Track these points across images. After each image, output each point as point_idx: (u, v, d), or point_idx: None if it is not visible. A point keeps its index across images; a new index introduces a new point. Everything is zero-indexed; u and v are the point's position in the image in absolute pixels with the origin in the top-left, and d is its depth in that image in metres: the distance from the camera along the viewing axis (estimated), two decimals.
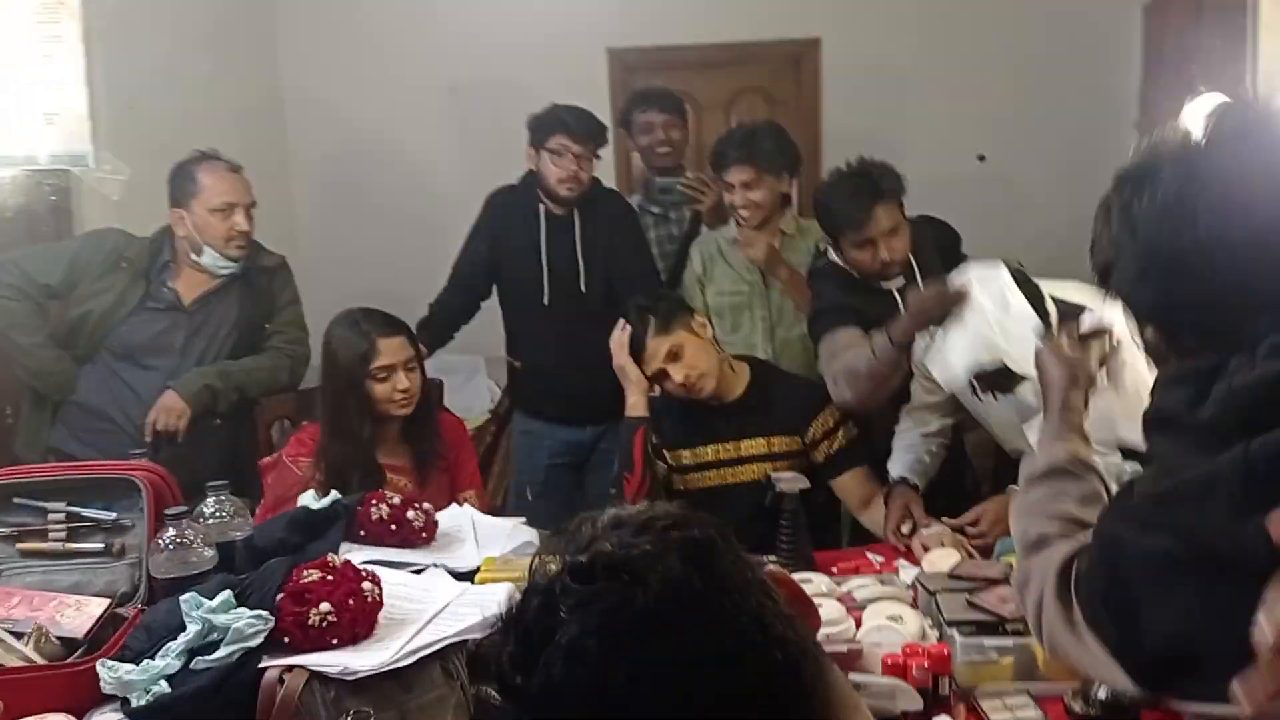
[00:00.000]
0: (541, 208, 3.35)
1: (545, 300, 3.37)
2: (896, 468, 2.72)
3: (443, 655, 1.68)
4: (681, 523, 0.84)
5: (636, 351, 2.71)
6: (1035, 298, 2.38)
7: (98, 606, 1.81)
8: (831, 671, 0.84)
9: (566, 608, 0.79)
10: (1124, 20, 4.39)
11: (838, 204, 2.78)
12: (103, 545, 1.97)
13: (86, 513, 1.99)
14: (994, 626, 1.90)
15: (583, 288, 3.36)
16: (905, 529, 2.55)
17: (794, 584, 0.88)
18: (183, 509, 1.90)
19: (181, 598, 1.64)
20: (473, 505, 2.51)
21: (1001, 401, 2.53)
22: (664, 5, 4.51)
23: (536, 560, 0.85)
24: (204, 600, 1.63)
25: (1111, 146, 4.29)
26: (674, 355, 2.66)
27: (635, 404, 2.71)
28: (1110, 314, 1.58)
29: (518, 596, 0.84)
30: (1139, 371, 1.93)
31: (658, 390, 2.82)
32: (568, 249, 3.35)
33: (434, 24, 4.48)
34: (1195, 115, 2.17)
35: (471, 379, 4.17)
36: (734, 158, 3.21)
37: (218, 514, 1.96)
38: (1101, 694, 1.73)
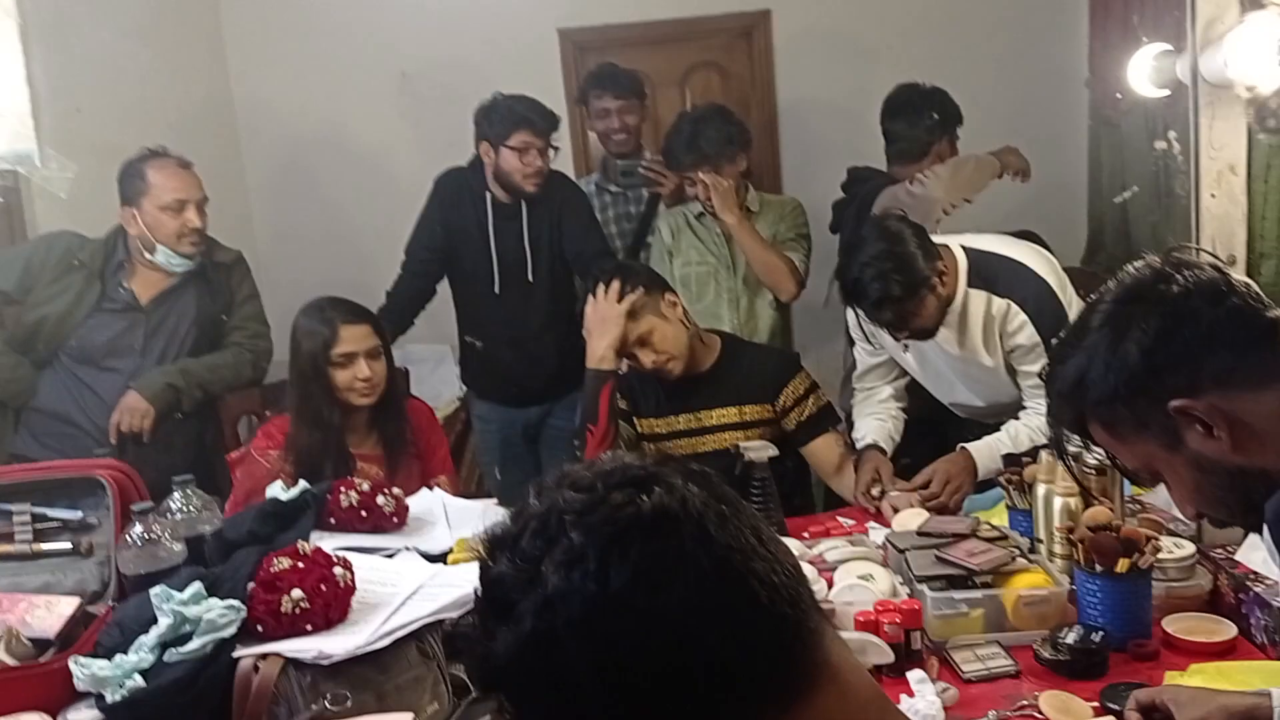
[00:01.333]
0: (488, 195, 3.35)
1: (496, 289, 3.39)
2: (862, 434, 2.76)
3: (418, 636, 1.68)
4: (682, 460, 0.85)
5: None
6: (922, 238, 2.46)
7: (68, 606, 1.79)
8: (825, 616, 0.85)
9: (570, 518, 0.77)
10: None
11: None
12: (70, 545, 1.95)
13: (52, 513, 1.97)
14: (963, 580, 1.93)
15: (530, 277, 3.38)
16: (875, 492, 2.59)
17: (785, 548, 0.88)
18: (149, 505, 1.88)
19: (152, 591, 1.63)
20: (445, 491, 2.51)
21: (927, 350, 2.62)
22: None
23: (531, 493, 0.83)
24: (175, 593, 1.62)
25: (1062, 107, 4.40)
26: (642, 341, 2.66)
27: (605, 356, 2.65)
28: None
29: (509, 526, 0.81)
30: None
31: (624, 366, 2.83)
32: (514, 237, 3.36)
33: (382, 9, 4.43)
34: (1139, 71, 2.21)
35: (439, 367, 4.15)
36: (689, 162, 3.33)
37: (185, 508, 1.94)
38: (1069, 639, 1.76)
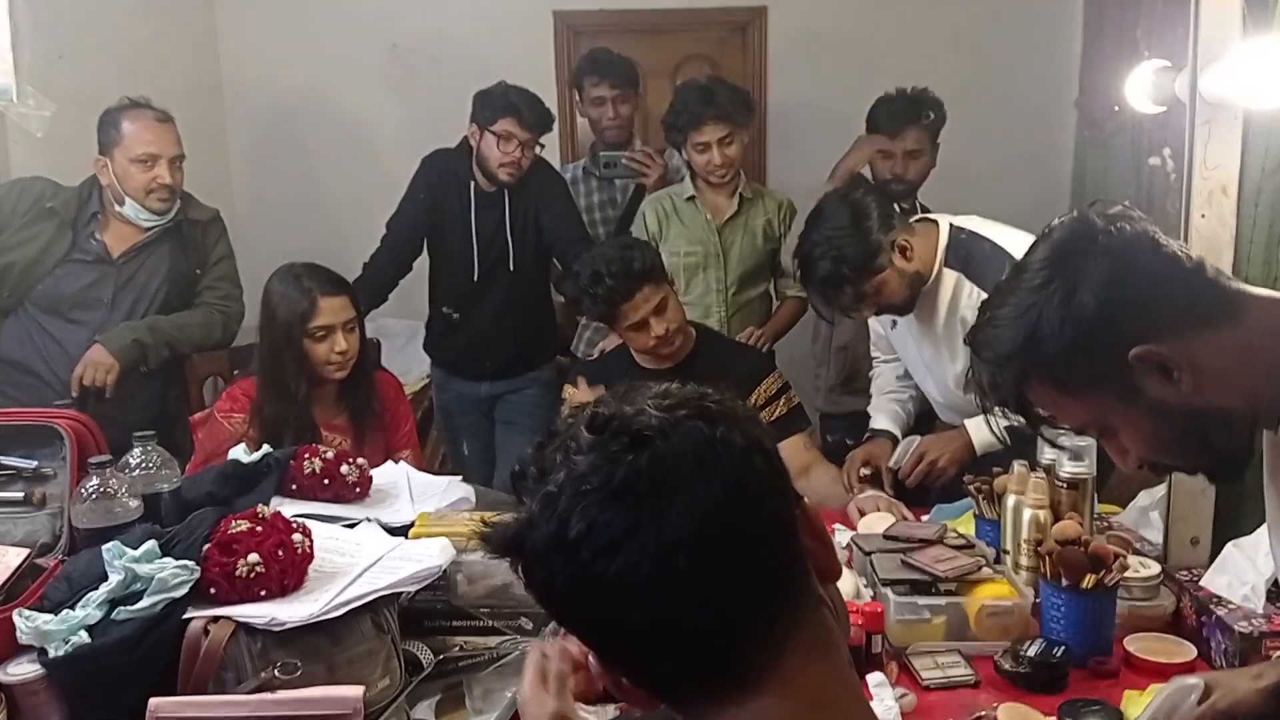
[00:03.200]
0: (473, 182, 3.33)
1: (475, 277, 3.38)
2: (878, 419, 2.78)
3: (374, 609, 1.65)
4: (723, 417, 0.86)
5: (612, 308, 2.65)
6: (883, 209, 2.42)
7: (16, 556, 1.74)
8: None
9: (561, 457, 0.83)
10: None
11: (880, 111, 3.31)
12: (22, 494, 1.89)
13: (6, 460, 1.91)
14: (927, 586, 1.91)
15: (511, 267, 3.36)
16: (865, 472, 2.59)
17: (819, 525, 0.87)
18: (107, 458, 1.84)
19: (104, 546, 1.60)
20: (409, 465, 2.48)
21: (903, 332, 2.61)
22: None
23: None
24: (127, 549, 1.58)
25: (1050, 123, 4.40)
26: (660, 307, 2.63)
27: None
28: None
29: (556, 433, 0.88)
30: None
31: (596, 353, 2.81)
32: (497, 226, 3.34)
33: None
34: (1138, 86, 2.20)
35: (410, 343, 4.11)
36: (708, 115, 3.20)
37: (144, 464, 1.90)
38: (1031, 652, 1.75)
